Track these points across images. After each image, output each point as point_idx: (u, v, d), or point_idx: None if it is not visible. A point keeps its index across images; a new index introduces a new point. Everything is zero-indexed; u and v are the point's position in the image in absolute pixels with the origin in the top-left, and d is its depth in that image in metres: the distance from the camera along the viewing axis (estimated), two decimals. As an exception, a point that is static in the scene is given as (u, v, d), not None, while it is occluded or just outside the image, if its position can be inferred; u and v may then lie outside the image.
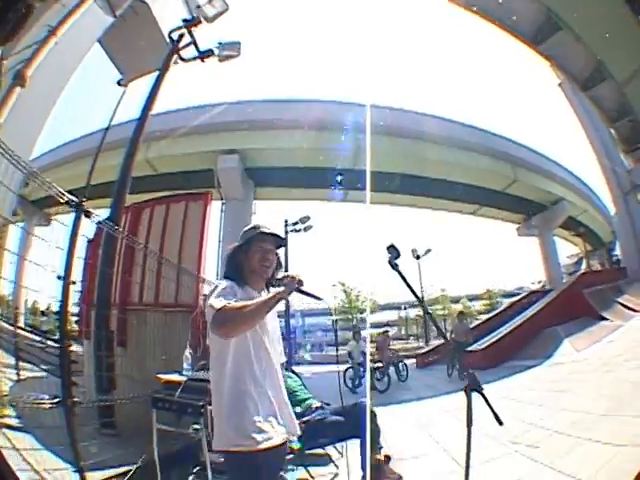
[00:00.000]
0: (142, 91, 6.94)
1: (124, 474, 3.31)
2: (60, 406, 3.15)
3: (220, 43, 7.34)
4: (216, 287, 1.91)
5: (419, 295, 2.01)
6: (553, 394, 6.40)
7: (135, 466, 3.38)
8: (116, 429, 4.60)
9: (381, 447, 3.57)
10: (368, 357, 10.68)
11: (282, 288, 1.85)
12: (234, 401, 1.84)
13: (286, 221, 16.30)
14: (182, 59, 7.16)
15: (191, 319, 5.61)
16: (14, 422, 4.17)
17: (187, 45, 7.13)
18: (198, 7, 7.55)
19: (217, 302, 1.75)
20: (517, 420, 5.10)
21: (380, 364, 10.93)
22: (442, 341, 16.06)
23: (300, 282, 1.87)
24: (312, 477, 3.73)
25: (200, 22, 7.17)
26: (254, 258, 2.05)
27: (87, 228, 4.96)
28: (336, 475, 3.97)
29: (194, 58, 7.25)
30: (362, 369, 10.75)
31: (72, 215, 3.96)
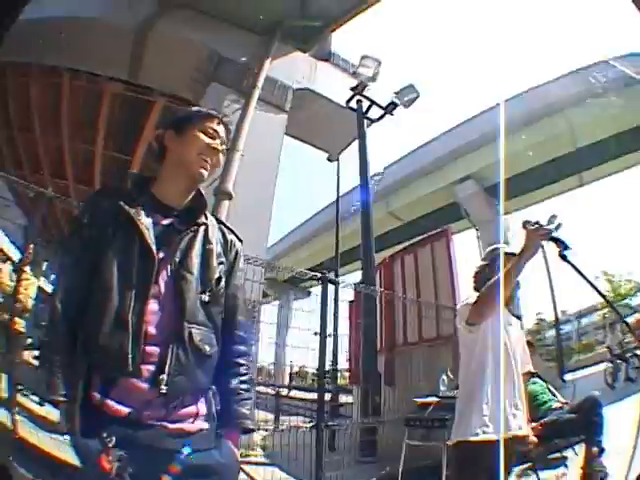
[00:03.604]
0: (354, 158, 7.66)
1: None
2: (313, 428, 4.28)
3: (396, 92, 7.68)
4: (465, 299, 2.30)
5: (597, 287, 1.93)
6: None
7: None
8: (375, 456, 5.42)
9: (600, 440, 3.48)
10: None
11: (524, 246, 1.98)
12: (465, 400, 2.18)
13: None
14: (372, 120, 7.77)
15: (453, 343, 5.88)
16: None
17: (370, 107, 7.72)
18: (354, 73, 8.20)
19: (472, 300, 2.14)
20: None
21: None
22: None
23: (545, 231, 1.91)
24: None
25: (366, 84, 7.67)
26: (495, 274, 2.19)
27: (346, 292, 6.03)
28: (563, 475, 3.95)
29: (382, 116, 7.78)
30: (619, 361, 9.47)
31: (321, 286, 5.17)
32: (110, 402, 1.11)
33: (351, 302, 7.06)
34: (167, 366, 1.15)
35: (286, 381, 19.77)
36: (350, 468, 4.99)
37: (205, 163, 1.34)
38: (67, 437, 1.14)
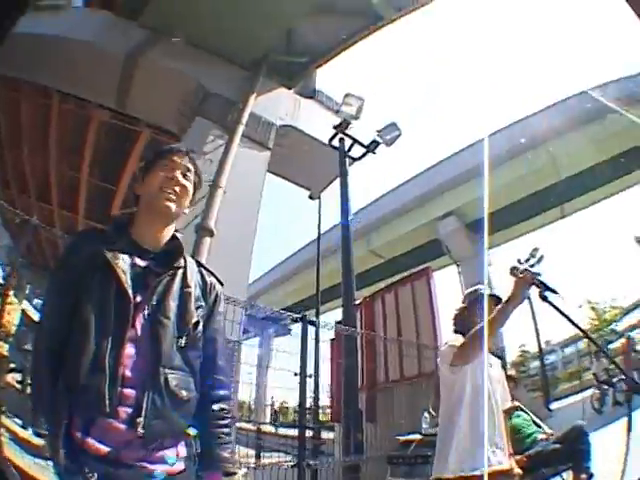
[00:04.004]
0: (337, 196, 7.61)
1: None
2: (295, 467, 4.41)
3: (378, 131, 7.74)
4: (449, 342, 2.40)
5: (580, 326, 2.01)
6: None
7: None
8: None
9: (588, 466, 3.55)
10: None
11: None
12: (443, 437, 2.30)
13: (519, 260, 15.54)
14: (354, 159, 7.82)
15: (434, 380, 5.98)
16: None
17: (352, 145, 7.77)
18: (337, 111, 8.31)
19: (457, 342, 2.27)
20: None
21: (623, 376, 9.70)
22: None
23: (531, 278, 2.00)
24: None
25: (349, 122, 7.71)
26: (472, 317, 2.41)
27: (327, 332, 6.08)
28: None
29: (364, 155, 7.84)
30: (605, 387, 9.79)
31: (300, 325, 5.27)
32: (90, 440, 1.14)
33: (332, 340, 7.07)
34: (143, 409, 1.17)
35: (267, 417, 19.70)
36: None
37: (168, 195, 1.36)
38: (50, 462, 1.17)
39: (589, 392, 10.63)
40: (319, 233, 10.16)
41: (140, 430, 1.16)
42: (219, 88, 9.55)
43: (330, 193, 10.59)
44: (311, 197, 11.62)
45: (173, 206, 1.37)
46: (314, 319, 5.61)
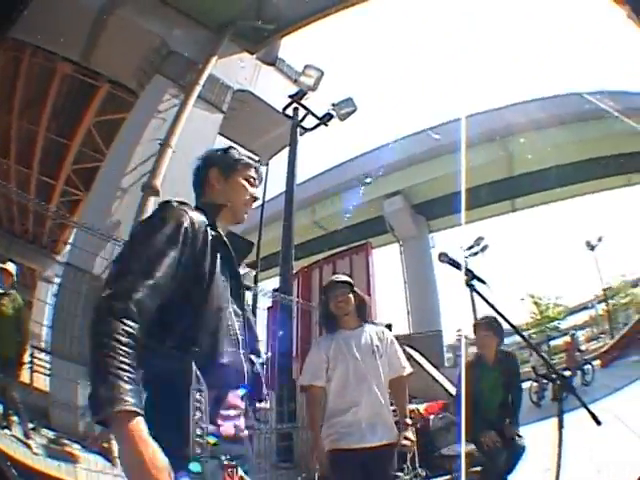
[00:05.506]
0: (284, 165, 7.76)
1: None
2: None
3: (333, 104, 7.75)
4: (313, 347, 2.67)
5: (505, 316, 1.95)
6: None
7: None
8: (292, 462, 5.57)
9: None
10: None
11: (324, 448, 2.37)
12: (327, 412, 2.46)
13: (462, 248, 15.92)
14: (305, 129, 7.82)
15: None
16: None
17: (305, 116, 7.79)
18: (296, 81, 8.31)
19: (304, 375, 2.54)
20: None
21: (568, 372, 10.02)
22: (623, 334, 13.70)
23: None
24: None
25: (306, 93, 7.75)
26: (330, 305, 2.56)
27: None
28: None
29: (316, 126, 7.86)
30: (544, 381, 9.96)
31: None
32: (221, 420, 1.10)
33: (269, 308, 7.09)
34: (245, 379, 1.21)
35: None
36: (268, 473, 5.07)
37: (248, 208, 1.46)
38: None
39: (527, 384, 10.94)
40: (263, 200, 10.08)
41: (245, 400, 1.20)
42: (182, 47, 9.32)
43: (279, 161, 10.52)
44: (259, 163, 11.46)
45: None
46: (251, 285, 5.60)
